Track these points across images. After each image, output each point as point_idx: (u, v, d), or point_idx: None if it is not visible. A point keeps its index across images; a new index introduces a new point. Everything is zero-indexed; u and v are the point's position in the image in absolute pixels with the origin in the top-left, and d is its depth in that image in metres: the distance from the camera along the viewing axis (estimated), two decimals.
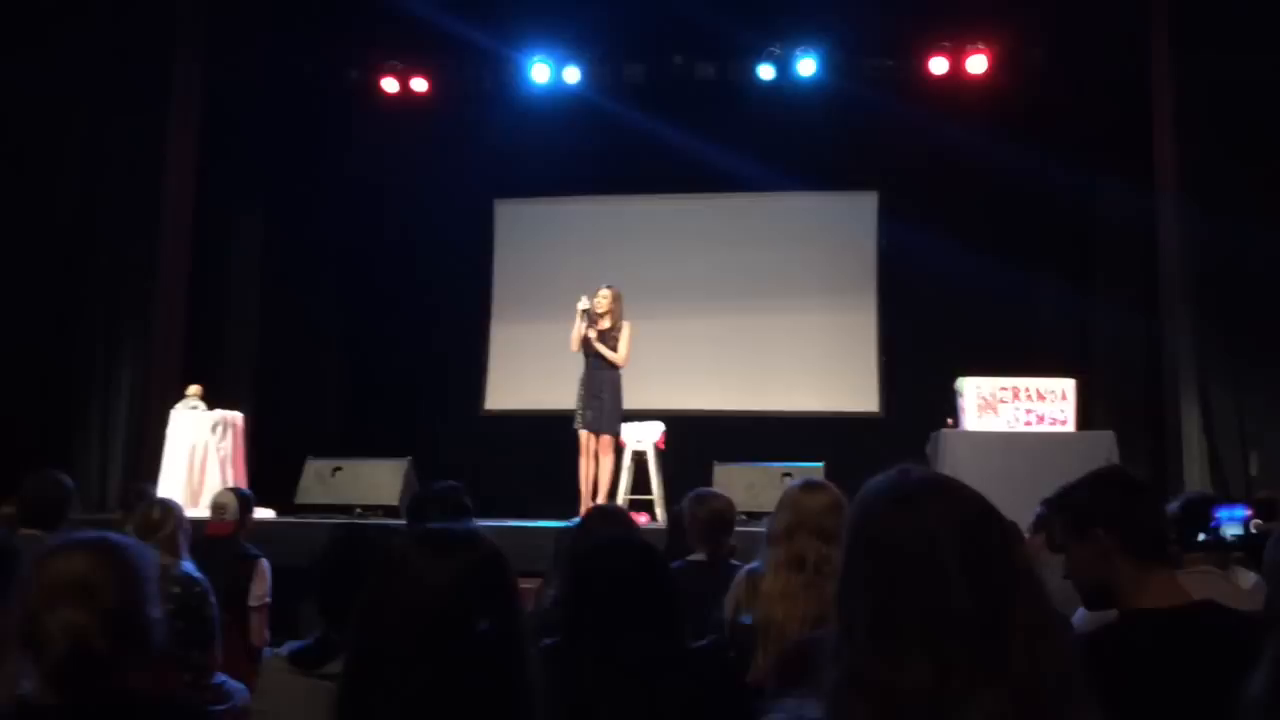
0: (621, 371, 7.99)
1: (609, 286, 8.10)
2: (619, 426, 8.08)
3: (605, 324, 7.95)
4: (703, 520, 4.00)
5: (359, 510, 8.19)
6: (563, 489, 8.22)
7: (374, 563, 1.52)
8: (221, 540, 5.19)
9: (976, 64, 10.08)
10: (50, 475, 4.38)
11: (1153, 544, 2.07)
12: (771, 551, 2.85)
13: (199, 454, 8.42)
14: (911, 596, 1.16)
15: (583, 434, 7.92)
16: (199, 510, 7.76)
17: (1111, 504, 2.08)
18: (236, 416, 8.85)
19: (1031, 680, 1.14)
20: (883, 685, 1.14)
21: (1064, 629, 1.21)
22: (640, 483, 8.47)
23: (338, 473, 8.50)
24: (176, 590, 3.99)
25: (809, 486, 2.95)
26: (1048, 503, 4.28)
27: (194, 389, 8.77)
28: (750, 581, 2.93)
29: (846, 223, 10.92)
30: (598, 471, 7.92)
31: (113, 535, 1.86)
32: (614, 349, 7.94)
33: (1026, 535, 4.28)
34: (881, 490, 1.26)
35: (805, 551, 2.76)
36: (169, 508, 4.49)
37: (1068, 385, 7.55)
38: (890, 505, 1.23)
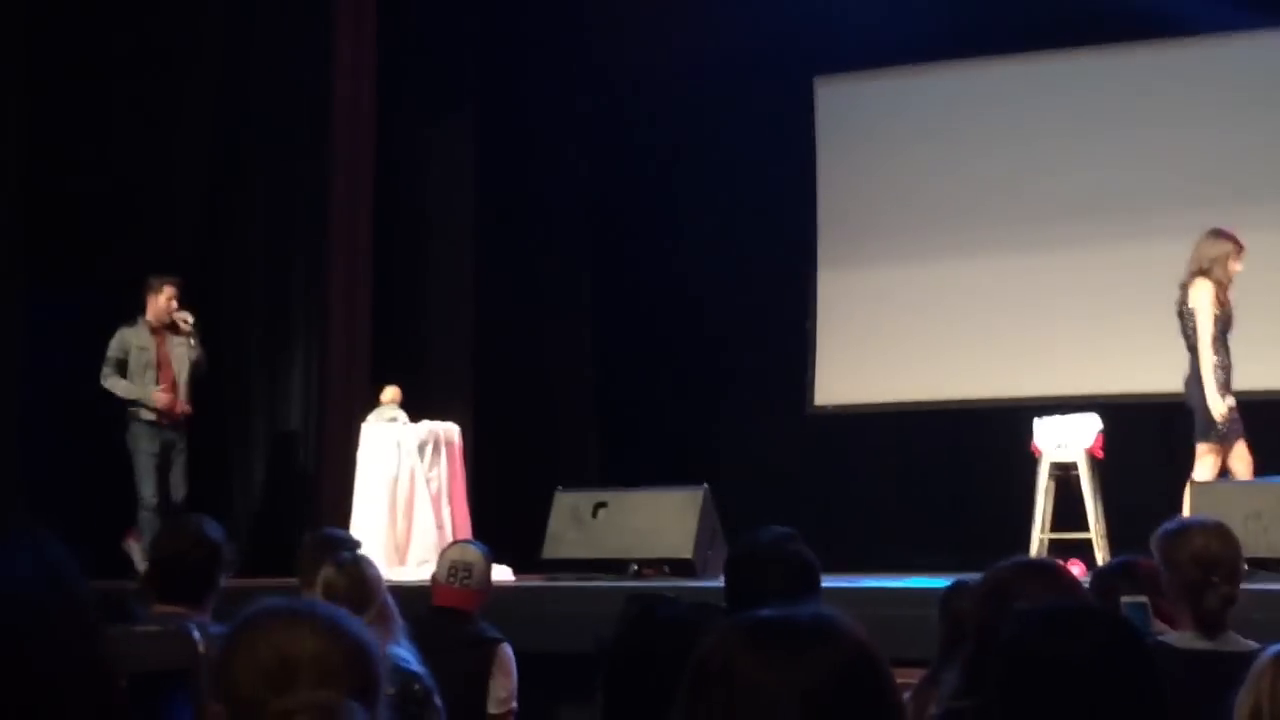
0: None
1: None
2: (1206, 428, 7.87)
3: None
4: (1182, 567, 3.84)
5: (635, 567, 8.39)
6: (943, 524, 8.14)
7: (684, 661, 1.57)
8: (453, 614, 5.38)
9: None
10: (189, 526, 4.36)
11: None
12: None
13: (404, 487, 8.81)
14: None
15: None
16: (407, 570, 8.19)
17: None
18: (452, 431, 9.23)
19: None
20: None
21: None
22: (1067, 512, 8.32)
23: (601, 510, 8.71)
24: (390, 691, 4.16)
25: None
26: None
27: (390, 393, 9.18)
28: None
29: None
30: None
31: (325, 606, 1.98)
32: None
33: None
34: None
35: None
36: (365, 568, 4.67)
37: None
38: None
